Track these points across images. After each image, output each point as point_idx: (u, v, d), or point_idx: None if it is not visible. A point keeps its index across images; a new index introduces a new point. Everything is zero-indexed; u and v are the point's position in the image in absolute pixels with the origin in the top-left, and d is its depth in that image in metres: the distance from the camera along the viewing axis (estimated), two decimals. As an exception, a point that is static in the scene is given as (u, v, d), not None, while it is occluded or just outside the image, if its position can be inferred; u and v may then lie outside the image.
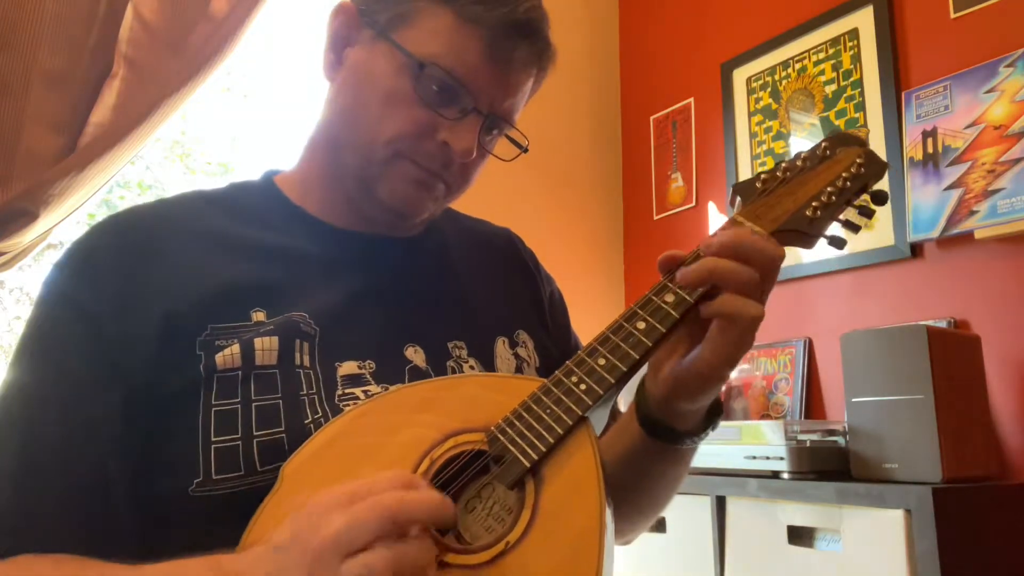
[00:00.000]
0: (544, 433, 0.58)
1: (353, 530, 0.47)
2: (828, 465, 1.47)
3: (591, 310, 2.32)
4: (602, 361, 0.61)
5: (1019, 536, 1.35)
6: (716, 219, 2.26)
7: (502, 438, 0.59)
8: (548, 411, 0.59)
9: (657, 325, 0.62)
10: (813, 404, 1.90)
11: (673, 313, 0.62)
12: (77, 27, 1.56)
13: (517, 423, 0.59)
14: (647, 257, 2.47)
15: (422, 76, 0.69)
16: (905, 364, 1.36)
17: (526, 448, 0.58)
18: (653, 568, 1.65)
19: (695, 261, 0.64)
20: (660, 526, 1.66)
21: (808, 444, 1.49)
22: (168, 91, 1.60)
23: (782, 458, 1.46)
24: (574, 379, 0.61)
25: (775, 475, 1.48)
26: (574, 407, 0.59)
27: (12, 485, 0.59)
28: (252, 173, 0.83)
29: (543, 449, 0.57)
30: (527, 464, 0.57)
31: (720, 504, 1.55)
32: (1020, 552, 1.34)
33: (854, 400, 1.43)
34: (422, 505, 0.48)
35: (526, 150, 0.78)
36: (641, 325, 0.63)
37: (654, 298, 0.64)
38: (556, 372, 0.62)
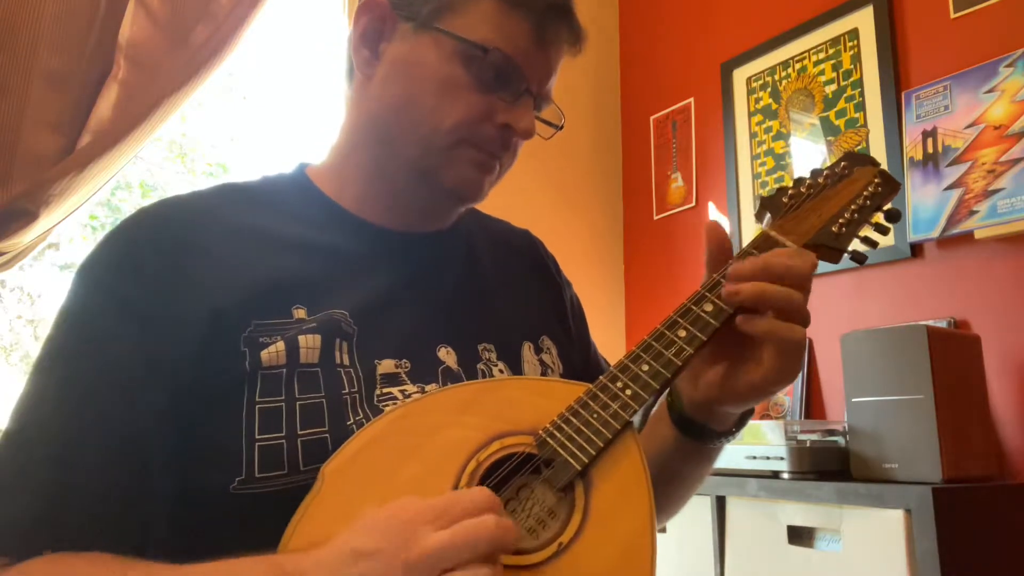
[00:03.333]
0: (593, 437, 0.59)
1: (453, 549, 0.47)
2: (828, 465, 1.47)
3: (591, 309, 2.31)
4: (646, 367, 0.63)
5: (1019, 536, 1.35)
6: (716, 219, 2.26)
7: (551, 442, 0.60)
8: (596, 415, 0.61)
9: (698, 334, 0.64)
10: (813, 404, 1.90)
11: (713, 322, 0.65)
12: (77, 27, 1.57)
13: (566, 427, 0.60)
14: (647, 257, 2.47)
15: (483, 61, 0.70)
16: (905, 364, 1.36)
17: (576, 452, 0.59)
18: (653, 568, 1.65)
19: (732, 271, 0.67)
20: (660, 526, 1.67)
21: (808, 444, 1.50)
22: (168, 91, 1.60)
23: (782, 458, 1.46)
24: (619, 384, 0.62)
25: (775, 475, 1.48)
26: (621, 412, 0.61)
27: (49, 482, 0.58)
28: (256, 172, 0.82)
29: (593, 453, 0.59)
30: (578, 468, 0.58)
31: (720, 504, 1.55)
32: (1020, 552, 1.34)
33: (854, 400, 1.43)
34: (512, 535, 0.50)
35: (561, 127, 0.80)
36: (682, 333, 0.65)
37: (693, 307, 0.66)
38: (600, 378, 0.63)
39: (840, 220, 0.71)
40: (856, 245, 0.73)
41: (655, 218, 2.45)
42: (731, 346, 0.67)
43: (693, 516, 1.59)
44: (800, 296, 0.64)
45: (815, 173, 0.76)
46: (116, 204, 2.05)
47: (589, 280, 2.46)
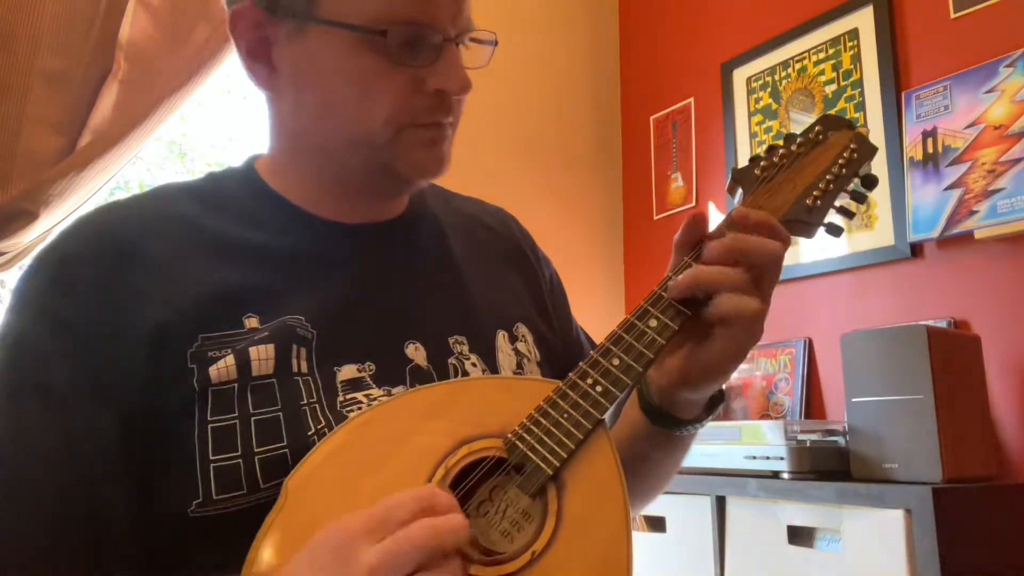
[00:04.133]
0: (564, 439, 0.57)
1: (389, 566, 0.45)
2: (828, 465, 1.47)
3: (591, 310, 2.32)
4: (616, 361, 0.61)
5: (1019, 536, 1.35)
6: (717, 219, 2.26)
7: (521, 445, 0.57)
8: (566, 415, 0.58)
9: (669, 322, 0.62)
10: (813, 404, 1.90)
11: (685, 309, 0.63)
12: (77, 27, 1.57)
13: (535, 429, 0.58)
14: (647, 257, 2.47)
15: (386, 42, 0.63)
16: (905, 364, 1.36)
17: (547, 455, 0.57)
18: (653, 568, 1.65)
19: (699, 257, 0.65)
20: (660, 526, 1.67)
21: (808, 444, 1.49)
22: (168, 91, 1.60)
23: (782, 458, 1.46)
24: (589, 381, 0.60)
25: (775, 475, 1.48)
26: (592, 411, 0.58)
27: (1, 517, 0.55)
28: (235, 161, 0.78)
29: (564, 456, 0.56)
30: (550, 472, 0.56)
31: (720, 504, 1.55)
32: (1020, 552, 1.34)
33: (854, 400, 1.43)
34: (453, 535, 0.47)
35: (495, 43, 0.71)
36: (653, 323, 0.62)
37: (664, 294, 0.64)
38: (570, 374, 0.61)
39: (815, 192, 0.68)
40: (832, 217, 0.70)
41: (655, 218, 2.45)
42: (690, 328, 0.65)
43: (693, 516, 1.59)
44: (741, 274, 0.61)
45: (789, 139, 0.72)
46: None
47: (589, 280, 2.46)
